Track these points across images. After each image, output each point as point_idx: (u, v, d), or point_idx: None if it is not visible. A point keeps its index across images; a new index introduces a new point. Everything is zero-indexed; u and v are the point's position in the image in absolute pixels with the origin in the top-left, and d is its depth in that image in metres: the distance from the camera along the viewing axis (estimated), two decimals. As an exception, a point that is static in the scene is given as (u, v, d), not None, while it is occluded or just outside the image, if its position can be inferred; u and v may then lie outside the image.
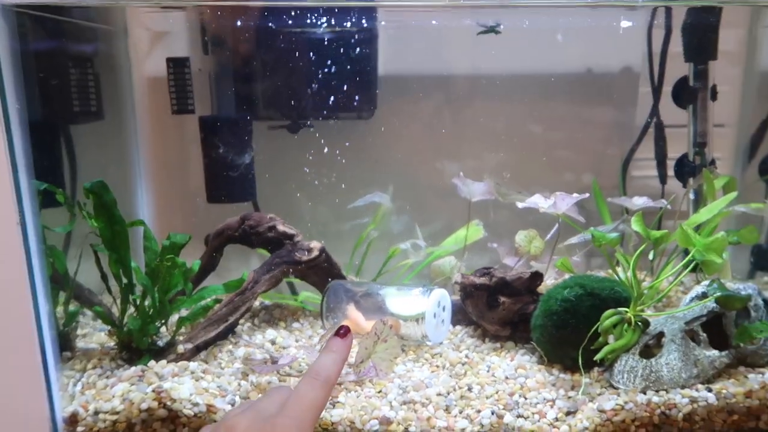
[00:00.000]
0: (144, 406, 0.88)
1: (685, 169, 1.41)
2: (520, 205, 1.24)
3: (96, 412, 0.88)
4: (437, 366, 1.04)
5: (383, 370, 0.99)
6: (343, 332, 0.67)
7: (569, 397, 0.94)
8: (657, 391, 0.92)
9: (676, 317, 1.00)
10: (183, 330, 1.10)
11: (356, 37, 1.35)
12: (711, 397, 0.91)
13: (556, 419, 0.90)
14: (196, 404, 0.89)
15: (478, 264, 1.19)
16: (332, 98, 1.37)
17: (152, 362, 0.98)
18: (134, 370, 0.95)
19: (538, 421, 0.89)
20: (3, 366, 0.83)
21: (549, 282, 1.26)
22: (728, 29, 1.35)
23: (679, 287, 1.30)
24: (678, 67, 1.39)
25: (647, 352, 0.97)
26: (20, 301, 0.82)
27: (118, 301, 1.05)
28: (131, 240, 1.03)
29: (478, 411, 0.90)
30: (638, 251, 1.03)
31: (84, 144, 1.31)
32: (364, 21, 1.34)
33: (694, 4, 1.32)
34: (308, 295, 1.27)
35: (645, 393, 0.92)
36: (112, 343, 1.07)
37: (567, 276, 1.08)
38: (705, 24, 1.34)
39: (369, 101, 1.40)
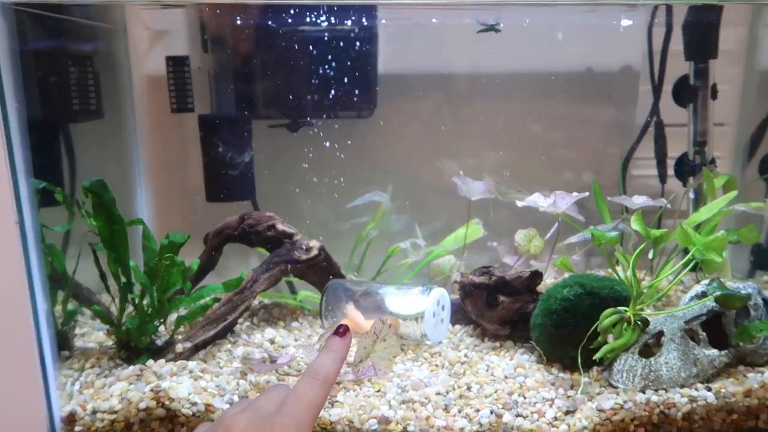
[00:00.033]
0: (142, 405, 0.88)
1: (685, 168, 1.41)
2: (519, 203, 1.24)
3: (94, 412, 0.88)
4: (436, 365, 1.04)
5: (382, 369, 0.98)
6: (342, 331, 0.67)
7: (568, 397, 0.94)
8: (656, 391, 0.92)
9: (676, 316, 1.00)
10: (182, 329, 1.10)
11: (356, 35, 1.35)
12: (710, 397, 0.91)
13: (555, 418, 0.89)
14: (194, 403, 0.89)
15: (477, 263, 1.19)
16: (332, 97, 1.37)
17: (151, 361, 0.98)
18: (132, 369, 0.95)
19: (537, 420, 0.89)
20: (1, 365, 0.83)
21: (548, 281, 1.26)
22: (729, 27, 1.35)
23: (678, 286, 1.30)
24: (678, 66, 1.39)
25: (646, 352, 0.97)
26: (18, 300, 0.82)
27: (117, 300, 1.05)
28: (130, 239, 1.02)
29: (477, 410, 0.90)
30: (638, 250, 1.03)
31: (83, 142, 1.31)
32: (363, 19, 1.34)
33: (694, 2, 1.31)
34: (307, 294, 1.27)
35: (644, 392, 0.92)
36: (110, 343, 1.07)
37: (566, 275, 1.08)
38: (705, 22, 1.33)
39: (369, 100, 1.40)
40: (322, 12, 1.32)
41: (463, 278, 1.14)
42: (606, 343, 0.95)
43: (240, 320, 1.17)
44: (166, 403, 0.89)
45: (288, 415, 0.57)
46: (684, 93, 1.39)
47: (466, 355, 1.06)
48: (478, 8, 1.35)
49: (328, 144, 1.41)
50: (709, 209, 1.19)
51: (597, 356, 0.94)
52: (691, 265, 1.04)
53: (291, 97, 1.38)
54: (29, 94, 1.16)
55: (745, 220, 1.25)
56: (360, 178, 1.43)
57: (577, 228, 1.26)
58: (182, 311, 1.09)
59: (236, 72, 1.37)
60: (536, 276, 1.10)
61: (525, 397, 0.94)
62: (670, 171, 1.45)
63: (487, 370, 1.01)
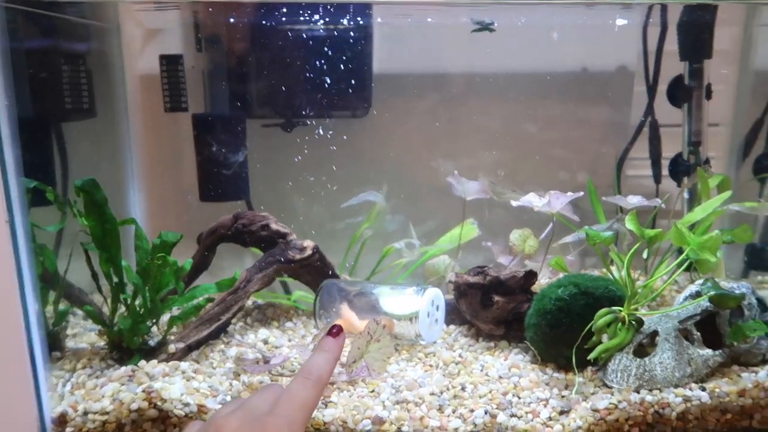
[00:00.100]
0: (134, 406, 0.87)
1: (680, 168, 1.41)
2: (514, 203, 1.23)
3: (85, 413, 0.88)
4: (430, 365, 1.04)
5: (376, 369, 0.98)
6: (335, 331, 0.66)
7: (563, 397, 0.93)
8: (650, 390, 0.92)
9: (670, 316, 1.00)
10: (175, 329, 1.09)
11: (351, 34, 1.34)
12: (704, 396, 0.91)
13: (550, 418, 0.89)
14: (186, 404, 0.88)
15: (472, 263, 1.19)
16: (326, 96, 1.37)
17: (143, 362, 0.97)
18: (124, 369, 0.95)
19: (532, 420, 0.89)
20: (-9, 366, 0.83)
21: (543, 281, 1.26)
22: (723, 27, 1.35)
23: (673, 286, 1.30)
24: (673, 66, 1.39)
25: (641, 351, 0.97)
26: (8, 301, 0.82)
27: (109, 301, 1.04)
28: (123, 239, 1.02)
29: (472, 410, 0.90)
30: (632, 250, 1.03)
31: (76, 142, 1.30)
32: (358, 18, 1.33)
33: (689, 1, 1.31)
34: (301, 294, 1.27)
35: (638, 392, 0.92)
36: (102, 343, 1.06)
37: (561, 275, 1.07)
38: (700, 22, 1.34)
39: (363, 99, 1.40)
40: (316, 11, 1.31)
41: (458, 278, 1.14)
42: (600, 343, 0.95)
43: (233, 320, 1.16)
44: (158, 403, 0.88)
45: (280, 415, 0.57)
46: (679, 93, 1.39)
47: (460, 355, 1.06)
48: (473, 7, 1.35)
49: (322, 144, 1.40)
50: (704, 209, 1.19)
51: (591, 356, 0.94)
52: (686, 265, 1.03)
53: (285, 96, 1.37)
54: (21, 92, 1.16)
55: (740, 220, 1.25)
56: (354, 177, 1.43)
57: (572, 228, 1.26)
58: (175, 311, 1.08)
59: (230, 71, 1.36)
60: (531, 276, 1.10)
61: (519, 397, 0.93)
62: (665, 171, 1.45)
63: (481, 370, 1.01)
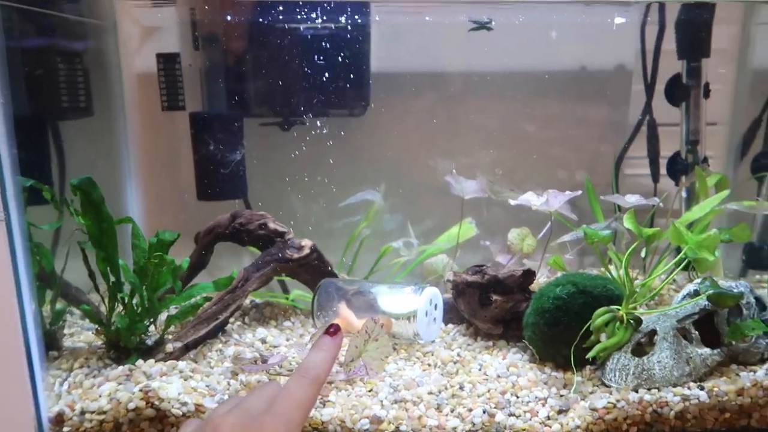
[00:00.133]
0: (131, 405, 0.87)
1: (678, 167, 1.41)
2: (512, 202, 1.23)
3: (82, 412, 0.87)
4: (429, 364, 1.04)
5: (374, 369, 0.98)
6: (332, 330, 0.66)
7: (561, 396, 0.93)
8: (649, 389, 0.92)
9: (669, 315, 1.00)
10: (173, 328, 1.09)
11: (349, 33, 1.34)
12: (703, 395, 0.91)
13: (548, 418, 0.89)
14: (184, 404, 0.88)
15: (470, 262, 1.19)
16: (324, 95, 1.36)
17: (140, 361, 0.97)
18: (122, 369, 0.94)
19: (530, 419, 0.89)
20: (-13, 365, 0.82)
21: (541, 280, 1.25)
22: (721, 26, 1.35)
23: (671, 285, 1.30)
24: (671, 65, 1.39)
25: (639, 350, 0.97)
26: (5, 300, 0.81)
27: (106, 300, 1.04)
28: (120, 237, 1.01)
29: (470, 409, 0.89)
30: (630, 249, 1.03)
31: (73, 140, 1.29)
32: (356, 17, 1.33)
33: (687, 0, 1.31)
34: (299, 293, 1.27)
35: (637, 391, 0.92)
36: (99, 342, 1.05)
37: (559, 274, 1.07)
38: (698, 21, 1.34)
39: (361, 98, 1.40)
40: (314, 9, 1.31)
41: (456, 277, 1.13)
42: (599, 341, 0.95)
43: (231, 320, 1.16)
44: (156, 403, 0.88)
45: (277, 414, 0.56)
46: (677, 92, 1.39)
47: (458, 355, 1.06)
48: (471, 6, 1.34)
49: (320, 142, 1.40)
50: (702, 208, 1.19)
51: (590, 355, 0.94)
52: (684, 263, 1.04)
53: (283, 95, 1.37)
54: (17, 90, 1.15)
55: (738, 219, 1.25)
56: (352, 176, 1.42)
57: (570, 227, 1.26)
58: (173, 310, 1.08)
59: (228, 69, 1.36)
60: (529, 275, 1.10)
61: (518, 397, 0.93)
62: (663, 170, 1.45)
63: (479, 370, 1.01)
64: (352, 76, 1.36)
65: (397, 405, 0.91)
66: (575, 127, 1.49)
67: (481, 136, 1.48)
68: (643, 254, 1.29)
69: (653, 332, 0.98)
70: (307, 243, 1.20)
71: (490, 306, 1.10)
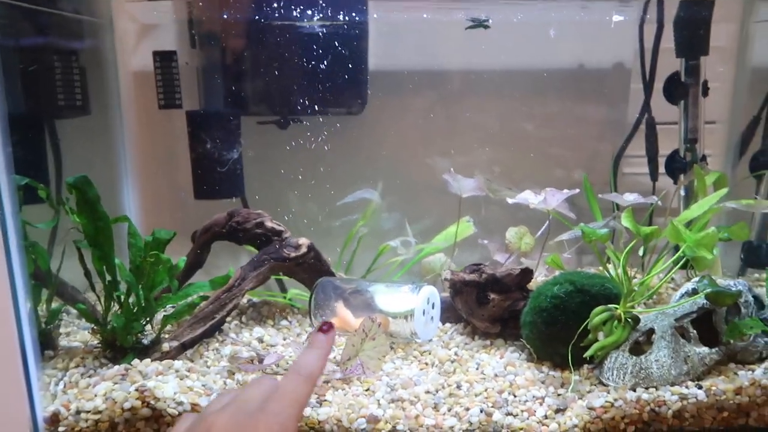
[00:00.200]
0: (127, 405, 0.87)
1: (676, 166, 1.41)
2: (510, 200, 1.23)
3: (78, 412, 0.87)
4: (426, 363, 1.03)
5: (371, 368, 0.97)
6: (325, 328, 0.66)
7: (559, 395, 0.93)
8: (647, 388, 0.92)
9: (667, 314, 0.99)
10: (169, 328, 1.08)
11: (346, 31, 1.33)
12: (701, 394, 0.90)
13: (546, 417, 0.89)
14: (180, 403, 0.88)
15: (468, 261, 1.18)
16: (322, 93, 1.36)
17: (136, 361, 0.96)
18: (117, 368, 0.94)
19: (528, 418, 0.88)
20: (-18, 365, 0.82)
21: (539, 279, 1.25)
22: (720, 24, 1.35)
23: (669, 284, 1.30)
24: (670, 63, 1.39)
25: (637, 349, 0.96)
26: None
27: (102, 299, 1.03)
28: (116, 236, 1.01)
29: (467, 409, 0.89)
30: (628, 247, 1.03)
31: (69, 139, 1.29)
32: (354, 15, 1.33)
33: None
34: (297, 292, 1.26)
35: (635, 390, 0.91)
36: (95, 342, 1.05)
37: (557, 272, 1.07)
38: (697, 19, 1.33)
39: (359, 96, 1.39)
40: (311, 7, 1.30)
41: (454, 276, 1.13)
42: (596, 340, 0.95)
43: (228, 319, 1.15)
44: (152, 402, 0.87)
45: (272, 413, 0.56)
46: (675, 90, 1.39)
47: (456, 354, 1.05)
48: (470, 3, 1.34)
49: (317, 141, 1.40)
50: (700, 206, 1.19)
51: (587, 354, 0.94)
52: (682, 262, 1.03)
53: (280, 93, 1.37)
54: (12, 88, 1.15)
55: (736, 218, 1.25)
56: (350, 175, 1.42)
57: (568, 225, 1.25)
58: (169, 309, 1.07)
59: (225, 67, 1.36)
60: (527, 273, 1.09)
61: (515, 396, 0.93)
62: (662, 168, 1.45)
63: (477, 369, 1.01)
64: (349, 74, 1.36)
65: (394, 404, 0.91)
66: (573, 126, 1.49)
67: (479, 135, 1.48)
68: (641, 253, 1.29)
69: (651, 331, 0.97)
70: (304, 242, 1.19)
71: (487, 305, 1.09)
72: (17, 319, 0.83)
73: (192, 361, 1.03)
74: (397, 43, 1.43)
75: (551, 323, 0.98)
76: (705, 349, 0.96)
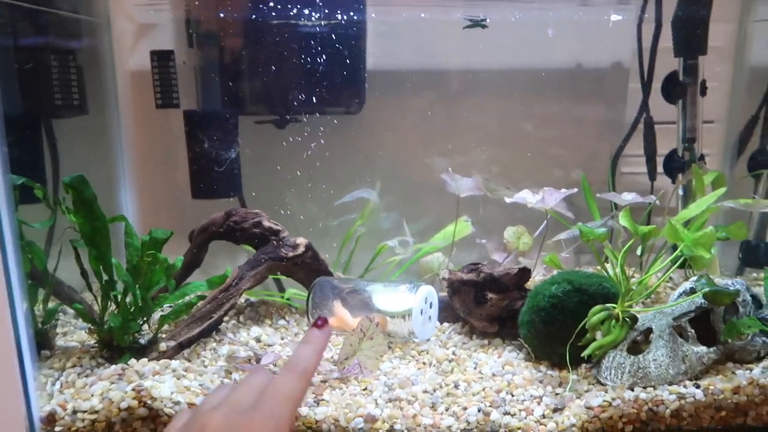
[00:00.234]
0: (124, 405, 0.86)
1: (674, 165, 1.41)
2: (508, 200, 1.23)
3: (74, 411, 0.87)
4: (424, 363, 1.03)
5: (368, 367, 0.97)
6: (320, 323, 0.64)
7: (556, 394, 0.93)
8: (644, 388, 0.91)
9: (664, 313, 0.99)
10: (167, 327, 1.08)
11: (344, 30, 1.33)
12: (699, 394, 0.90)
13: (543, 416, 0.89)
14: (177, 403, 0.87)
15: (466, 260, 1.18)
16: (320, 93, 1.36)
17: (133, 360, 0.96)
18: (114, 368, 0.93)
19: (525, 418, 0.88)
20: (-22, 365, 0.81)
21: (537, 278, 1.25)
22: (718, 24, 1.35)
23: (667, 283, 1.30)
24: (668, 63, 1.39)
25: (635, 348, 0.96)
26: (-5, 298, 0.80)
27: (99, 298, 1.03)
28: (113, 236, 1.01)
29: (465, 408, 0.89)
30: (626, 247, 1.03)
31: (67, 139, 1.29)
32: (352, 14, 1.32)
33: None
34: (294, 292, 1.26)
35: (632, 389, 0.91)
36: (92, 341, 1.05)
37: (555, 272, 1.07)
38: (695, 18, 1.33)
39: (357, 96, 1.39)
40: (309, 6, 1.30)
41: (451, 275, 1.13)
42: (594, 340, 0.95)
43: (226, 318, 1.15)
44: (148, 402, 0.87)
45: (266, 411, 0.55)
46: (673, 89, 1.39)
47: (453, 353, 1.05)
48: (468, 3, 1.34)
49: (316, 140, 1.39)
50: (698, 206, 1.19)
51: (585, 353, 0.93)
52: (680, 261, 1.03)
53: (278, 92, 1.36)
54: (9, 88, 1.15)
55: (734, 217, 1.25)
56: (348, 174, 1.42)
57: (566, 225, 1.25)
58: (167, 309, 1.07)
59: (222, 67, 1.35)
60: (525, 273, 1.09)
61: (513, 395, 0.93)
62: (660, 168, 1.44)
63: (474, 368, 1.00)
64: (347, 73, 1.35)
65: (391, 404, 0.90)
66: (572, 125, 1.49)
67: (477, 134, 1.48)
68: (639, 252, 1.28)
69: (649, 330, 0.97)
70: (301, 241, 1.19)
71: (485, 304, 1.09)
72: (13, 318, 0.83)
73: (189, 360, 1.02)
74: (395, 42, 1.43)
75: (549, 322, 0.98)
76: (703, 349, 0.96)
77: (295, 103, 1.36)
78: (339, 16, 1.32)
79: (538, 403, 0.91)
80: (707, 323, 0.99)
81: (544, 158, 1.49)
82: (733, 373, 0.95)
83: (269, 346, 1.10)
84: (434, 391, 0.93)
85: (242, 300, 1.25)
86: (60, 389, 0.93)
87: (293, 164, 1.41)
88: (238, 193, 1.37)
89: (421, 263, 1.35)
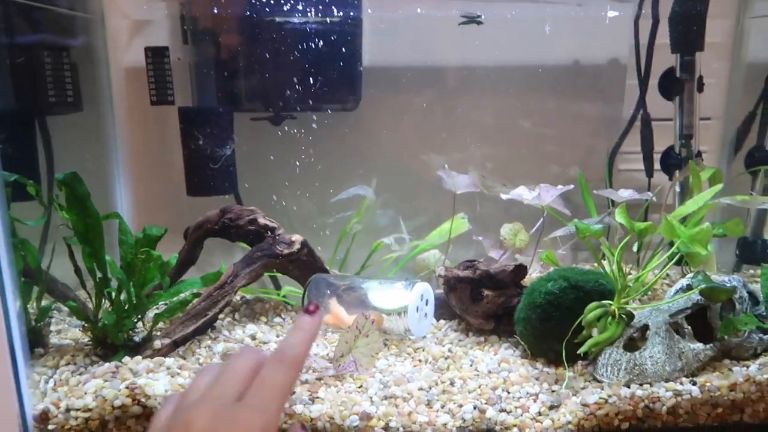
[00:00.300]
0: (117, 402, 0.86)
1: (672, 162, 1.40)
2: (504, 196, 1.22)
3: (68, 409, 0.86)
4: (420, 360, 1.03)
5: (364, 365, 0.97)
6: (312, 309, 0.62)
7: (553, 391, 0.92)
8: (641, 385, 0.91)
9: (661, 310, 0.99)
10: (161, 325, 1.08)
11: (340, 27, 1.33)
12: (695, 390, 0.90)
13: (539, 413, 0.88)
14: (171, 401, 0.87)
15: (463, 257, 1.18)
16: (315, 90, 1.35)
17: (127, 358, 0.96)
18: (108, 366, 0.93)
19: (521, 415, 0.88)
20: (-30, 363, 0.81)
21: (534, 275, 1.25)
22: (715, 20, 1.34)
23: (664, 280, 1.30)
24: (665, 59, 1.38)
25: (631, 345, 0.96)
26: (-13, 296, 0.80)
27: (93, 296, 1.02)
28: (107, 233, 1.00)
29: (460, 405, 0.89)
30: (623, 243, 1.02)
31: (61, 135, 1.28)
32: (348, 10, 1.32)
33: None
34: (290, 289, 1.25)
35: (629, 386, 0.91)
36: (86, 339, 1.04)
37: (552, 269, 1.06)
38: (692, 14, 1.33)
39: (353, 93, 1.38)
40: (305, 3, 1.29)
41: (448, 272, 1.13)
42: (591, 337, 0.94)
43: (221, 316, 1.14)
44: (142, 400, 0.87)
45: (252, 405, 0.53)
46: (670, 86, 1.39)
47: (449, 350, 1.05)
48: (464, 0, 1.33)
49: (311, 137, 1.39)
50: (695, 202, 1.18)
51: (582, 350, 0.93)
52: (677, 258, 1.03)
53: (274, 89, 1.36)
54: (2, 85, 1.14)
55: (731, 214, 1.25)
56: (344, 171, 1.41)
57: (563, 222, 1.25)
58: (161, 307, 1.06)
59: (217, 64, 1.35)
60: (521, 270, 1.09)
61: (509, 392, 0.92)
62: (657, 165, 1.44)
63: (471, 365, 1.00)
64: (343, 70, 1.35)
65: (387, 401, 0.90)
66: (568, 122, 1.48)
67: (473, 131, 1.47)
68: (635, 249, 1.28)
69: (645, 327, 0.97)
70: (297, 238, 1.18)
71: (481, 301, 1.09)
72: (6, 316, 0.82)
73: (184, 358, 1.02)
74: (391, 39, 1.42)
75: (545, 319, 0.98)
76: (699, 345, 0.96)
77: (291, 100, 1.36)
78: (335, 13, 1.31)
79: (534, 401, 0.90)
80: (704, 320, 0.98)
81: (541, 155, 1.49)
82: (730, 370, 0.95)
83: (265, 343, 1.10)
84: (430, 388, 0.93)
85: (238, 297, 1.24)
86: (53, 387, 0.92)
87: (289, 161, 1.40)
88: (233, 190, 1.37)
89: (417, 260, 1.34)
